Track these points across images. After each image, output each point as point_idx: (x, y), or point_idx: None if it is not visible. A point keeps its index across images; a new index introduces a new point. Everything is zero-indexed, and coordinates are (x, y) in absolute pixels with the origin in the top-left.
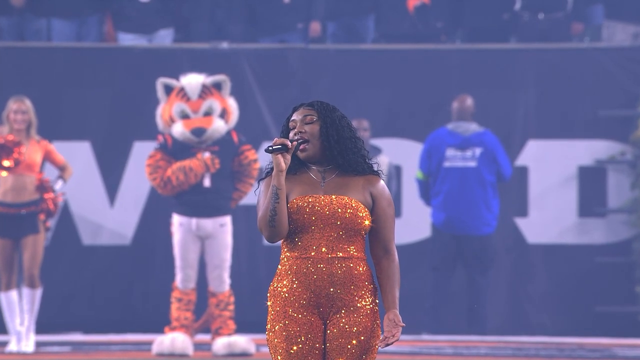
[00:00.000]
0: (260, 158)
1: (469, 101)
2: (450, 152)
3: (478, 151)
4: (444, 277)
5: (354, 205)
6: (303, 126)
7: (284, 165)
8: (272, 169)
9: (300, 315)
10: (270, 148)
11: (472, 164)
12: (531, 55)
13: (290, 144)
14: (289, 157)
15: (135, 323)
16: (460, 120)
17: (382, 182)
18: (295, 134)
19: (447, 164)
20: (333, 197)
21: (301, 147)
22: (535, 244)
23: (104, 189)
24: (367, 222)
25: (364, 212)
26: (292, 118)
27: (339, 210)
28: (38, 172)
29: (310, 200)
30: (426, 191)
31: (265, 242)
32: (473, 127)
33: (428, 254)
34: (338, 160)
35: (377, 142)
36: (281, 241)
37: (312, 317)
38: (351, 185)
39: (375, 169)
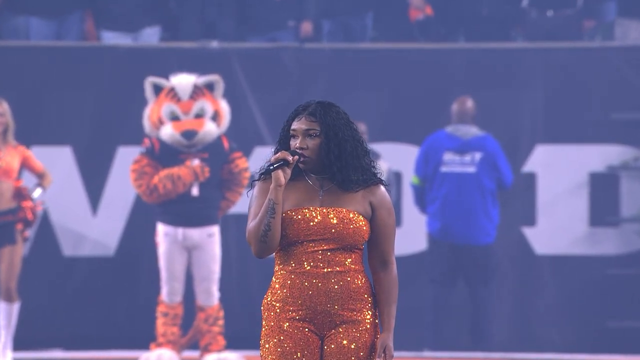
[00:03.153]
0: (252, 166)
1: (470, 103)
2: (448, 156)
3: (478, 156)
4: (444, 290)
5: (352, 217)
6: (305, 140)
7: (283, 180)
8: (267, 170)
9: (296, 331)
10: (272, 167)
11: (471, 169)
12: (539, 55)
13: (291, 158)
14: (289, 171)
15: (120, 339)
16: (459, 123)
17: (382, 189)
18: (296, 148)
19: (444, 168)
20: (330, 209)
21: (301, 161)
22: (544, 254)
23: (86, 197)
24: (365, 237)
25: (363, 226)
26: (294, 127)
27: (336, 224)
28: (15, 179)
29: (305, 212)
30: (422, 197)
31: None
32: (473, 131)
33: (426, 265)
34: (337, 176)
35: (375, 146)
36: (275, 252)
37: (308, 333)
38: (350, 194)
39: (378, 177)
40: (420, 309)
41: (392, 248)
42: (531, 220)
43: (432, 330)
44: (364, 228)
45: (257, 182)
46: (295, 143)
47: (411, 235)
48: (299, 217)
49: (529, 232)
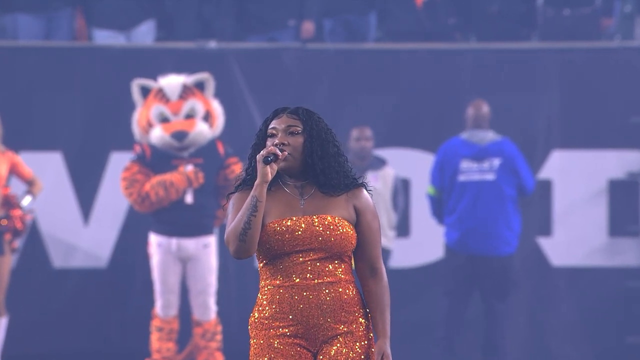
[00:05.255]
0: None
1: (486, 107)
2: (465, 164)
3: (496, 162)
4: (459, 304)
5: (338, 223)
6: (286, 137)
7: (269, 176)
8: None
9: (287, 347)
10: (269, 159)
11: (490, 176)
12: (555, 56)
13: (281, 154)
14: (275, 167)
15: (112, 354)
16: (476, 128)
17: (365, 193)
18: (276, 145)
19: (462, 177)
20: (314, 217)
21: (282, 158)
22: (560, 266)
23: (77, 205)
24: (353, 242)
25: (350, 231)
26: (273, 125)
27: (322, 232)
28: (4, 187)
29: (289, 224)
30: (439, 208)
31: (257, 263)
32: (490, 136)
33: (440, 277)
34: (319, 178)
35: (381, 152)
36: (259, 268)
37: (300, 349)
38: (333, 200)
39: (360, 181)
40: (431, 323)
41: (380, 253)
42: (547, 230)
43: (443, 346)
44: (351, 233)
45: (233, 194)
46: (273, 141)
47: (421, 245)
48: (283, 228)
49: (544, 243)
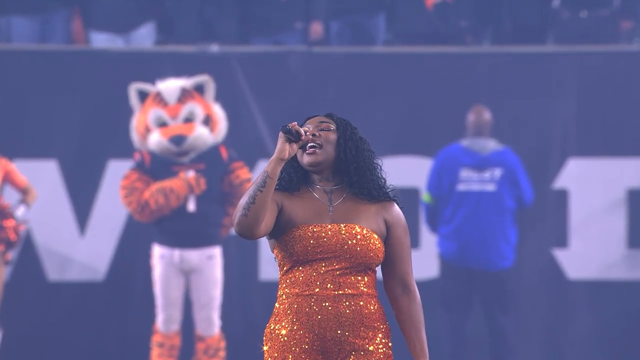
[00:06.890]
0: (254, 177)
1: (487, 114)
2: (465, 173)
3: (498, 173)
4: (461, 317)
5: (366, 234)
6: (318, 131)
7: (287, 154)
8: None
9: None
10: (287, 128)
11: (491, 187)
12: (572, 59)
13: (304, 134)
14: (295, 147)
15: None
16: (477, 136)
17: (397, 208)
18: (306, 133)
19: (461, 186)
20: (342, 226)
21: (310, 150)
22: (577, 279)
23: (73, 216)
24: (380, 256)
25: (377, 244)
26: (306, 125)
27: (349, 241)
28: None
29: (315, 230)
30: (434, 217)
31: (262, 276)
32: (492, 145)
33: (441, 290)
34: (352, 178)
35: (391, 160)
36: (280, 276)
37: None
38: (363, 210)
39: (392, 195)
40: (442, 339)
41: (411, 269)
42: (563, 242)
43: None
44: (378, 246)
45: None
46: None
47: (430, 258)
48: (308, 234)
49: (560, 255)
